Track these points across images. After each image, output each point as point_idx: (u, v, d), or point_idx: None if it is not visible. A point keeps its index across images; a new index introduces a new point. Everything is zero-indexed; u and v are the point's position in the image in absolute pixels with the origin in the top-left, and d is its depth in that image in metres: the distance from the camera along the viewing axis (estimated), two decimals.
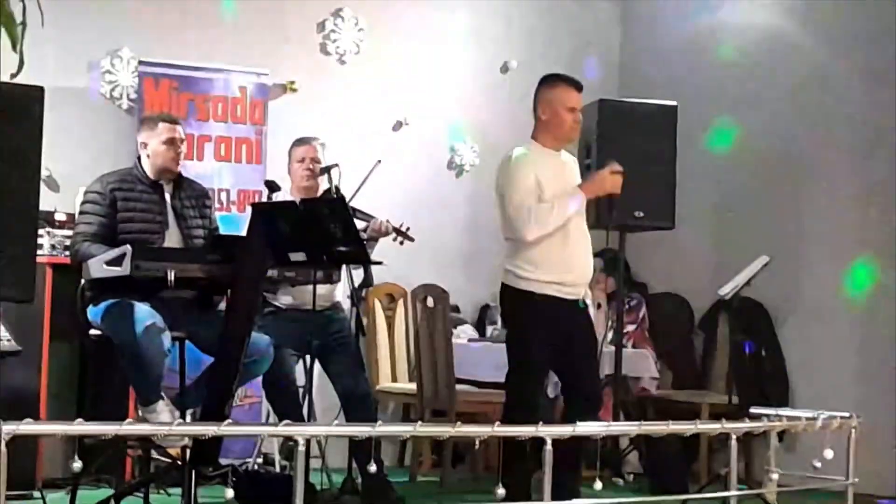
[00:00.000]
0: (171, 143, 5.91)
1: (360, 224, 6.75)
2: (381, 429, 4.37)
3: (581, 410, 5.62)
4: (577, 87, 5.97)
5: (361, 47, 8.60)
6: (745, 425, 5.23)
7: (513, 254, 5.91)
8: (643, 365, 8.15)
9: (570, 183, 5.98)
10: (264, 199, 6.30)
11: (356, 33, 8.57)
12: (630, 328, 8.29)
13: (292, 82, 8.29)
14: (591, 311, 6.46)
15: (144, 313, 5.36)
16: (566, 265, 5.84)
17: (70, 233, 6.14)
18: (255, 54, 8.02)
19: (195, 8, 8.01)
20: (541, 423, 4.65)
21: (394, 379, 8.15)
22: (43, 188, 7.08)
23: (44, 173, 7.20)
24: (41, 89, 3.51)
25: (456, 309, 8.62)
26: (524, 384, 5.92)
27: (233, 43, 8.05)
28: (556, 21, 9.38)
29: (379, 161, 6.83)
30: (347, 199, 6.33)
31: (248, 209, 6.16)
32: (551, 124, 5.95)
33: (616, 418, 7.39)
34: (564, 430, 4.81)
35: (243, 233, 5.76)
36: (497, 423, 4.60)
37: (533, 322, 5.84)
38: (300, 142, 6.86)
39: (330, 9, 8.54)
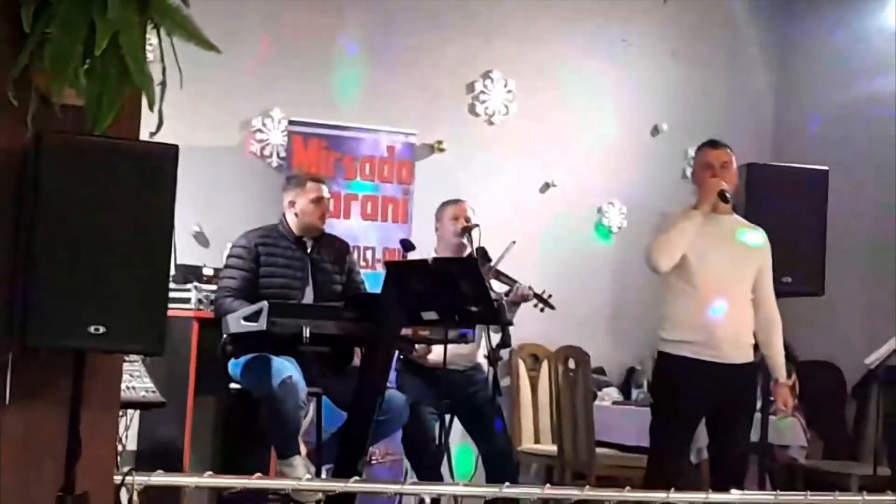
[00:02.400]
0: (319, 201, 6.06)
1: (503, 288, 6.77)
2: (507, 490, 4.37)
3: (718, 479, 5.55)
4: (713, 143, 5.92)
5: (510, 108, 8.65)
6: (889, 498, 5.09)
7: (660, 316, 5.87)
8: (792, 433, 7.97)
9: (726, 243, 5.83)
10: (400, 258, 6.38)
11: (505, 94, 8.63)
12: None
13: (440, 142, 8.36)
14: None
15: (281, 368, 5.46)
16: (699, 325, 5.67)
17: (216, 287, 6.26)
18: (403, 114, 8.12)
19: (343, 69, 8.12)
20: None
21: (536, 440, 8.12)
22: (192, 243, 7.37)
23: (194, 229, 7.43)
24: (175, 147, 3.57)
25: (601, 371, 8.56)
26: (657, 448, 5.82)
27: (381, 103, 8.14)
28: (708, 85, 9.30)
29: (514, 242, 6.82)
30: (493, 264, 6.33)
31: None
32: (698, 186, 5.92)
33: (762, 487, 7.25)
34: (696, 497, 4.75)
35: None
36: (627, 487, 4.57)
37: (666, 384, 5.76)
38: (453, 202, 6.91)
39: (479, 70, 8.61)
